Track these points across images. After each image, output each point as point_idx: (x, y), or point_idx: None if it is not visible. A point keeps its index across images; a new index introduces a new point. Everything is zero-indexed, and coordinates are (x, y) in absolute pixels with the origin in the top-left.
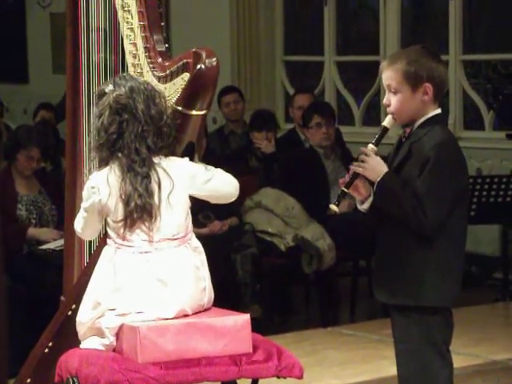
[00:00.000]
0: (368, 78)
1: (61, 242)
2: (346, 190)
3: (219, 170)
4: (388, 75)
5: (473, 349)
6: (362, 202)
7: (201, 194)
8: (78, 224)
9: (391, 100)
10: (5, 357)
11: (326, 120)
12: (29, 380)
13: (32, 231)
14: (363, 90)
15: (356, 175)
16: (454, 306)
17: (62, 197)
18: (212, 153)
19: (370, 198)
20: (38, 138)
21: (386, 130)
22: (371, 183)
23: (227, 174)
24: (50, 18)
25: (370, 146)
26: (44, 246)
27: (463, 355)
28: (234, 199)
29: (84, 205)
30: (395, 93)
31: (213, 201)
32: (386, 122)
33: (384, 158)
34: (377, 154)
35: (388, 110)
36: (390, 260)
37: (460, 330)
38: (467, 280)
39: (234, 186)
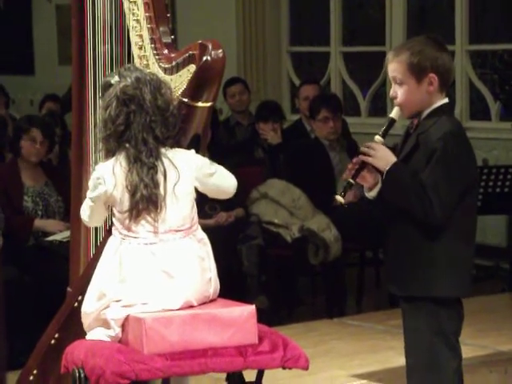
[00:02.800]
0: (374, 69)
1: (67, 233)
2: (352, 181)
3: (220, 166)
4: (393, 67)
5: (480, 339)
6: (370, 189)
7: (203, 187)
8: (85, 212)
9: (397, 92)
10: (3, 350)
11: (334, 114)
12: (35, 371)
13: (38, 223)
14: (369, 81)
15: (363, 166)
16: (465, 296)
17: (68, 188)
18: (218, 144)
19: (378, 186)
20: (38, 121)
21: (393, 121)
22: (379, 172)
23: (226, 170)
24: (56, 9)
25: (377, 137)
26: (50, 238)
27: (470, 346)
28: (230, 196)
29: (90, 195)
30: (401, 85)
31: (211, 195)
32: (394, 113)
33: (391, 149)
34: (384, 145)
35: (395, 102)
36: (399, 251)
37: (467, 321)
38: (473, 271)
39: (233, 183)
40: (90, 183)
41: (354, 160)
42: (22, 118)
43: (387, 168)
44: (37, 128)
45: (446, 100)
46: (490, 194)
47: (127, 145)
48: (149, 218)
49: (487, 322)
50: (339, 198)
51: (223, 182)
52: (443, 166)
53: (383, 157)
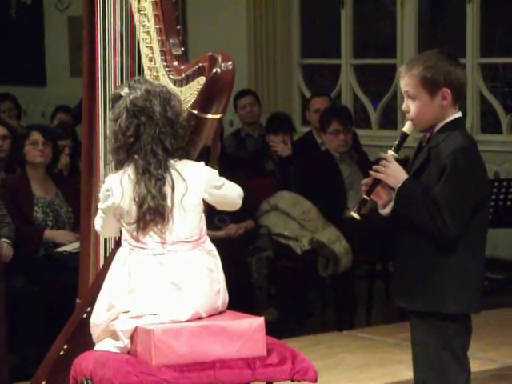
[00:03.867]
0: (385, 81)
1: (77, 244)
2: (367, 197)
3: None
4: (405, 82)
5: (489, 353)
6: (384, 207)
7: (211, 198)
8: (98, 223)
9: (410, 106)
10: (5, 361)
11: (345, 126)
12: (44, 382)
13: (48, 233)
14: (380, 93)
15: (377, 182)
16: (475, 312)
17: (78, 199)
18: (228, 156)
19: (392, 203)
20: (37, 125)
21: (405, 136)
22: (392, 189)
23: (231, 182)
24: (68, 21)
25: (390, 152)
26: (60, 249)
27: (480, 359)
28: (238, 207)
29: (101, 206)
30: (413, 99)
31: (219, 207)
32: (406, 127)
33: (402, 162)
34: (397, 159)
35: (407, 116)
36: (409, 266)
37: (477, 335)
38: (484, 284)
39: (240, 194)
40: (100, 195)
41: (368, 178)
42: (22, 129)
43: (398, 186)
44: (36, 131)
45: (459, 114)
46: (501, 207)
47: (136, 156)
48: (156, 230)
49: (497, 336)
50: (354, 214)
51: (231, 193)
52: (454, 182)
53: (394, 174)
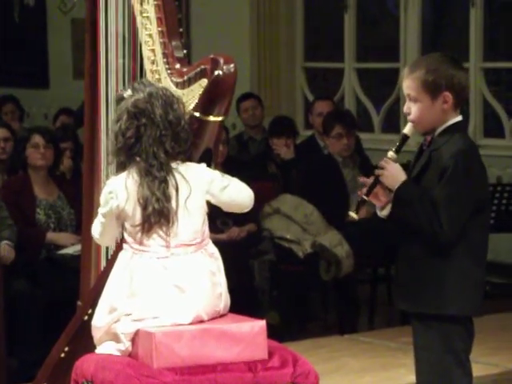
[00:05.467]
0: (388, 85)
1: (79, 246)
2: (365, 197)
3: (235, 178)
4: (407, 84)
5: (491, 358)
6: (382, 208)
7: (215, 200)
8: (96, 230)
9: (411, 108)
10: (3, 365)
11: (347, 130)
12: None
13: (51, 236)
14: (383, 97)
15: (375, 183)
16: (475, 315)
17: (80, 201)
18: (231, 159)
19: (390, 205)
20: (38, 128)
21: (406, 137)
22: (390, 190)
23: (243, 183)
24: (71, 23)
25: (390, 153)
26: (62, 251)
27: (481, 364)
28: (247, 210)
29: (102, 210)
30: (415, 101)
31: (226, 209)
32: (407, 129)
33: (404, 166)
34: (396, 161)
35: (408, 118)
36: (409, 268)
37: (478, 339)
38: (486, 289)
39: (249, 196)
40: (102, 198)
41: (368, 178)
42: (23, 131)
43: (396, 186)
44: (37, 134)
45: (459, 118)
46: (504, 211)
47: (138, 158)
48: (160, 232)
49: (500, 341)
50: (352, 214)
51: (237, 195)
52: (453, 184)
53: (393, 175)
